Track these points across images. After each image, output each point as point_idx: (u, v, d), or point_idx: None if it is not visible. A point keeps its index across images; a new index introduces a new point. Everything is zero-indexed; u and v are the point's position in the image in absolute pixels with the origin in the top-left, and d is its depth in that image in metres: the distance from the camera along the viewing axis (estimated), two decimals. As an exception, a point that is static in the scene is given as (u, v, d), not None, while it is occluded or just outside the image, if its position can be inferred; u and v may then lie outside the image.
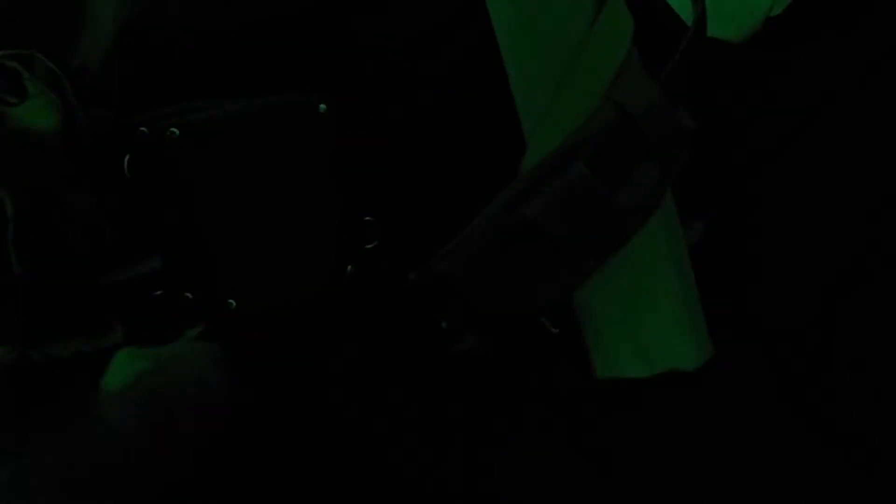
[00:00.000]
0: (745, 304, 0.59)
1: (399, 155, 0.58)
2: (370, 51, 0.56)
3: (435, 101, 0.57)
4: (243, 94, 0.55)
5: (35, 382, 0.53)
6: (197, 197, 0.55)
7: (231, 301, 0.56)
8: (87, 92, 0.55)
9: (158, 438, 0.51)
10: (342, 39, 0.55)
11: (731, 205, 0.59)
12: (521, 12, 0.56)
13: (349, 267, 0.58)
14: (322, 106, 0.55)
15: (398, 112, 0.57)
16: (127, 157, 0.55)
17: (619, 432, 0.57)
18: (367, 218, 0.57)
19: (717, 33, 0.57)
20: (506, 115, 0.57)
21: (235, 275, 0.56)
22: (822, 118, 0.57)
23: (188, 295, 0.56)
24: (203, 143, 0.54)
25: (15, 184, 0.52)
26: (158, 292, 0.55)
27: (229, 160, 0.55)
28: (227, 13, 0.56)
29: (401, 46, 0.55)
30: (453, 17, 0.56)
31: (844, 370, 0.57)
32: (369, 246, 0.58)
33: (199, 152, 0.54)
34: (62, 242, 0.53)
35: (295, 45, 0.56)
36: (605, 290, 0.57)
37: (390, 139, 0.57)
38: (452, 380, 0.58)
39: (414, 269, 0.54)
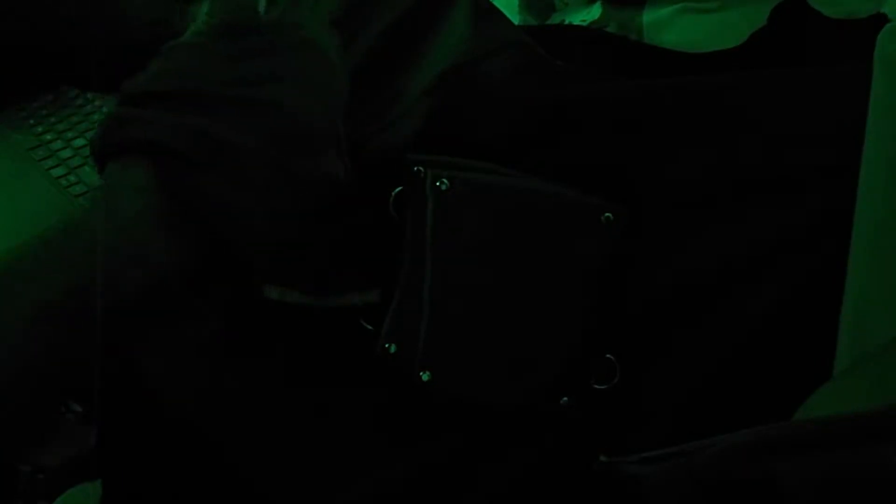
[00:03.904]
0: None
1: (673, 308, 0.50)
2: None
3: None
4: (528, 171, 0.51)
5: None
6: (439, 254, 0.51)
7: (426, 373, 0.50)
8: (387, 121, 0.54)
9: None
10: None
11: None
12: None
13: (564, 398, 0.50)
14: (608, 215, 0.49)
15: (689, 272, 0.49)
16: (396, 190, 0.52)
17: None
18: (609, 356, 0.50)
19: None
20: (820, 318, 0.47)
21: (445, 349, 0.51)
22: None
23: (389, 347, 0.51)
24: (469, 204, 0.50)
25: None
26: (370, 327, 0.52)
27: (487, 229, 0.50)
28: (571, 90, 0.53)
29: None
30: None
31: None
32: (598, 387, 0.50)
33: (460, 212, 0.50)
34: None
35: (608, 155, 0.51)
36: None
37: (671, 290, 0.50)
38: None
39: (609, 451, 0.44)
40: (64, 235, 0.43)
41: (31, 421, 0.43)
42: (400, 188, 0.52)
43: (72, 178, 0.96)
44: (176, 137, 0.42)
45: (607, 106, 0.52)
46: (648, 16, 0.64)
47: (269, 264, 0.52)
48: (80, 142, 1.00)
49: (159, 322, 0.51)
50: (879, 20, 0.58)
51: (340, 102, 0.48)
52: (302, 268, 0.53)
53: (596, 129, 0.52)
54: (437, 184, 0.51)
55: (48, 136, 1.02)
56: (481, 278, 0.50)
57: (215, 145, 0.42)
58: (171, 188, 0.42)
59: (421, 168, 0.51)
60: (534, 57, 0.57)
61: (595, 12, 0.67)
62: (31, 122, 1.04)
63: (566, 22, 0.68)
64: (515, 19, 0.73)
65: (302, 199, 0.50)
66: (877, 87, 0.48)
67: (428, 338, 0.51)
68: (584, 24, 0.66)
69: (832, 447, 0.39)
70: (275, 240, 0.52)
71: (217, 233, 0.43)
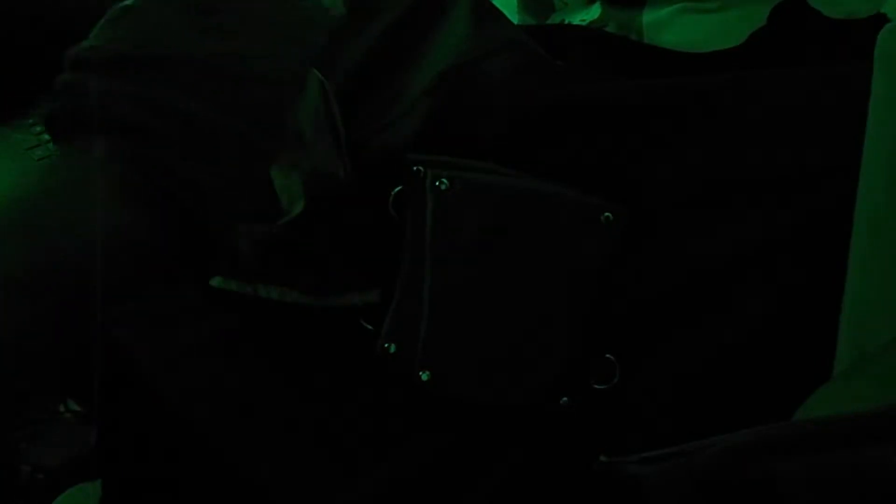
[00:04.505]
0: None
1: (673, 308, 0.50)
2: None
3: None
4: (528, 171, 0.51)
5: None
6: (439, 254, 0.51)
7: (426, 373, 0.50)
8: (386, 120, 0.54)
9: None
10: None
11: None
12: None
13: (564, 398, 0.50)
14: (608, 215, 0.49)
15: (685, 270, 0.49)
16: (396, 190, 0.52)
17: None
18: (609, 356, 0.50)
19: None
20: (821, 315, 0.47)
21: (445, 349, 0.51)
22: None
23: (389, 347, 0.51)
24: (469, 204, 0.50)
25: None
26: (370, 327, 0.52)
27: (487, 229, 0.50)
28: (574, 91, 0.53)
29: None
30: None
31: None
32: (597, 386, 0.50)
33: (460, 212, 0.51)
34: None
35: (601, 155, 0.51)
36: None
37: (670, 289, 0.50)
38: None
39: (609, 451, 0.44)
40: (17, 207, 0.41)
41: (16, 411, 0.42)
42: (400, 188, 0.52)
43: (71, 178, 0.96)
44: (129, 108, 0.40)
45: (607, 106, 0.52)
46: (648, 16, 0.64)
47: (265, 263, 0.52)
48: (79, 141, 1.00)
49: (141, 307, 0.50)
50: (879, 20, 0.58)
51: (313, 55, 0.46)
52: (301, 267, 0.53)
53: (596, 129, 0.52)
54: (437, 184, 0.51)
55: (47, 136, 1.01)
56: (481, 278, 0.50)
57: (174, 116, 0.40)
58: (134, 163, 0.40)
59: (421, 168, 0.51)
60: (534, 57, 0.57)
61: (595, 12, 0.67)
62: (31, 121, 1.03)
63: (566, 22, 0.68)
64: (515, 19, 0.73)
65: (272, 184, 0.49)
66: (877, 86, 0.48)
67: (428, 338, 0.51)
68: (584, 23, 0.66)
69: (832, 447, 0.39)
70: (270, 237, 0.52)
71: (193, 216, 0.42)
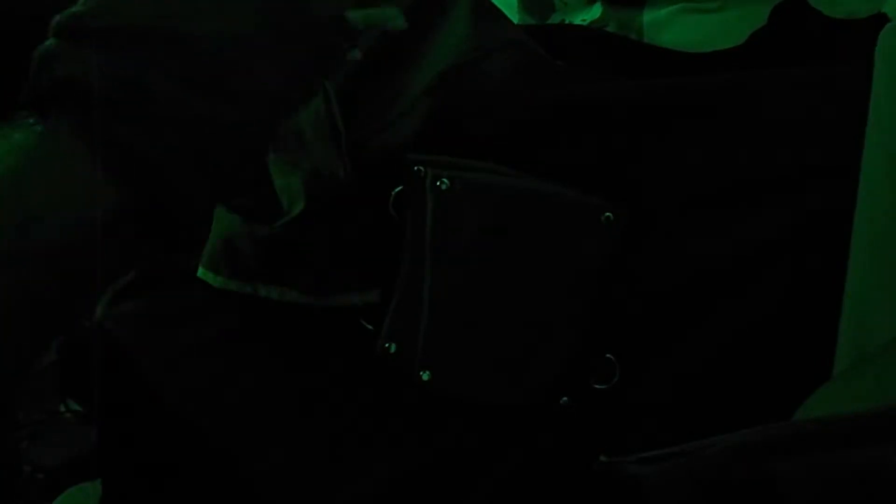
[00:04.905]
0: None
1: (673, 308, 0.50)
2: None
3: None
4: (528, 171, 0.51)
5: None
6: (439, 254, 0.51)
7: (426, 373, 0.51)
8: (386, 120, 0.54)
9: None
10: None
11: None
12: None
13: (564, 398, 0.50)
14: (608, 215, 0.49)
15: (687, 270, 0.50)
16: (396, 190, 0.52)
17: None
18: (609, 356, 0.50)
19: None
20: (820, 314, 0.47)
21: (445, 349, 0.51)
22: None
23: (389, 346, 0.51)
24: (469, 204, 0.51)
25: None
26: (370, 327, 0.52)
27: (487, 229, 0.50)
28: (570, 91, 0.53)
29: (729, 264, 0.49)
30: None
31: None
32: (597, 386, 0.50)
33: (460, 212, 0.51)
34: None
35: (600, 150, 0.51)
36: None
37: (669, 289, 0.50)
38: None
39: (609, 451, 0.43)
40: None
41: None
42: (400, 188, 0.52)
43: (71, 178, 0.96)
44: (112, 86, 0.38)
45: (607, 106, 0.52)
46: (648, 16, 0.65)
47: (265, 263, 0.53)
48: (79, 141, 1.00)
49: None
50: (880, 20, 0.58)
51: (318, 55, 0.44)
52: (301, 267, 0.53)
53: (596, 128, 0.52)
54: (438, 183, 0.51)
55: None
56: (481, 278, 0.50)
57: (161, 101, 0.38)
58: (113, 146, 0.39)
59: (421, 168, 0.51)
60: (534, 57, 0.57)
61: (595, 12, 0.67)
62: (31, 121, 1.03)
63: (566, 22, 0.69)
64: (515, 19, 0.73)
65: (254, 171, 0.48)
66: (878, 86, 0.48)
67: (428, 337, 0.51)
68: (584, 23, 0.66)
69: (832, 447, 0.39)
70: (270, 237, 0.52)
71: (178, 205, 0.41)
